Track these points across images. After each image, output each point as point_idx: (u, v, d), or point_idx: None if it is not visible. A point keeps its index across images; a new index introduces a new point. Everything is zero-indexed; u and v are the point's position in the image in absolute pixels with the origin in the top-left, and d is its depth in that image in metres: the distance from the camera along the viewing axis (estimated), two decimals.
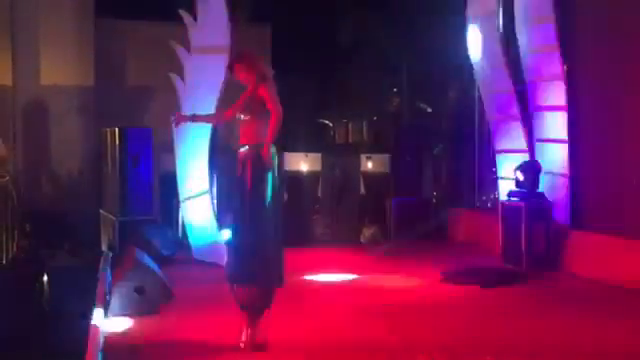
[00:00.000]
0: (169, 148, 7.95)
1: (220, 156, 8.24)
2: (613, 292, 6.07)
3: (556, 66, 7.40)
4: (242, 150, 4.50)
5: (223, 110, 4.95)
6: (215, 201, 7.81)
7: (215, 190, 8.02)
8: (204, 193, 7.65)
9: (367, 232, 10.24)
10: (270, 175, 4.46)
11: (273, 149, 4.49)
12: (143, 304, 5.32)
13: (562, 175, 7.38)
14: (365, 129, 18.85)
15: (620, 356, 4.44)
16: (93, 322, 4.75)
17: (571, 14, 7.40)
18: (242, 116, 4.52)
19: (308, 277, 6.90)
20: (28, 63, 9.88)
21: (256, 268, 4.40)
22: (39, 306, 6.52)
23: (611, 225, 6.65)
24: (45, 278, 6.71)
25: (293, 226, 9.61)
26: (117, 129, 7.95)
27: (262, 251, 4.40)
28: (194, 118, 5.24)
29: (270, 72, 4.62)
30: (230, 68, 4.67)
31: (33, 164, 9.76)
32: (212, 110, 7.36)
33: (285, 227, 4.62)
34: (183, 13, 7.75)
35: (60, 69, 10.03)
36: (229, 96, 7.04)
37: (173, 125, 5.03)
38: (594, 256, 6.65)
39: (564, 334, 4.89)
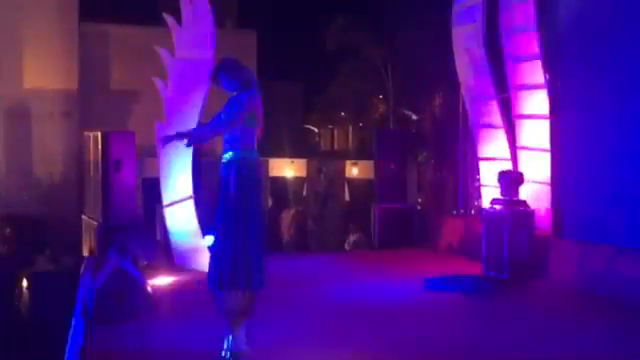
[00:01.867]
0: (152, 152, 7.91)
1: (204, 162, 8.20)
2: (594, 301, 6.10)
3: (539, 75, 7.45)
4: (225, 157, 4.47)
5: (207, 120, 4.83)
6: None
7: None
8: (187, 199, 7.60)
9: (351, 238, 10.25)
10: (253, 181, 4.43)
11: (255, 155, 4.47)
12: (123, 310, 5.27)
13: (544, 183, 7.43)
14: (350, 135, 18.91)
15: None
16: (72, 328, 4.70)
17: (554, 24, 7.47)
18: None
19: (291, 284, 6.86)
20: (11, 66, 9.81)
21: (238, 274, 4.37)
22: (18, 311, 6.46)
23: (593, 234, 6.69)
24: (25, 283, 6.65)
25: (277, 232, 9.65)
26: (99, 133, 7.89)
27: (245, 257, 4.37)
28: (179, 136, 4.96)
29: (254, 80, 4.58)
30: (214, 77, 4.63)
31: (15, 168, 9.67)
32: (196, 115, 7.33)
33: (269, 233, 4.60)
34: (168, 17, 7.71)
35: (43, 73, 9.98)
36: (213, 101, 7.03)
37: (160, 145, 4.76)
38: (576, 264, 6.69)
39: (545, 341, 4.91)
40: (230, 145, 4.45)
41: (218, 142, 4.74)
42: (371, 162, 10.54)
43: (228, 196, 4.39)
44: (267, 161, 11.59)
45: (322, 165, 12.80)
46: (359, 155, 14.19)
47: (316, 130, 19.22)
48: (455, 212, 9.60)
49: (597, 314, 5.70)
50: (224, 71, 4.53)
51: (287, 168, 12.70)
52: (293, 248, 10.08)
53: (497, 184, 7.51)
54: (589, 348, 4.75)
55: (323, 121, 18.53)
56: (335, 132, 19.89)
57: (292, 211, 11.28)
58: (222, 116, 4.41)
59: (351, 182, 12.66)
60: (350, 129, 18.91)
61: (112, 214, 7.68)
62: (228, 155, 4.44)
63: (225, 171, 4.44)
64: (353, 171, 12.70)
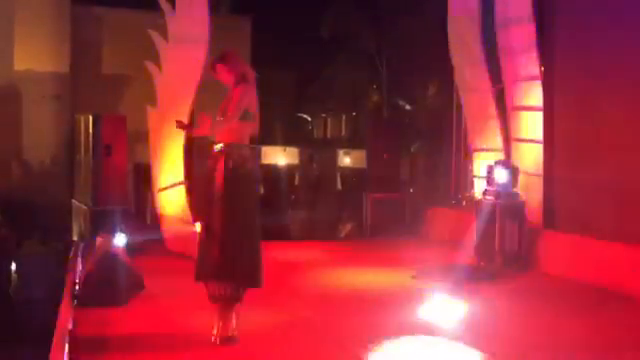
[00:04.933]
0: (144, 137, 7.85)
1: (196, 147, 8.15)
2: (583, 291, 6.13)
3: (534, 67, 7.44)
4: (217, 148, 4.43)
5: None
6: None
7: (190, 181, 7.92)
8: (178, 184, 7.56)
9: (343, 227, 10.25)
10: (241, 175, 4.39)
11: (246, 150, 4.44)
12: (113, 294, 5.24)
13: (536, 175, 7.44)
14: (344, 124, 18.87)
15: (583, 350, 4.49)
16: (61, 312, 4.68)
17: (549, 15, 7.45)
18: (219, 117, 4.47)
19: (283, 271, 6.86)
20: (2, 48, 9.71)
21: (228, 266, 4.34)
22: (6, 294, 6.43)
23: (583, 226, 6.72)
24: (13, 266, 6.61)
25: (269, 220, 9.61)
26: (91, 116, 7.83)
27: (234, 248, 4.33)
28: (190, 128, 5.00)
29: (252, 75, 4.55)
30: (212, 67, 4.60)
31: (4, 150, 9.60)
32: (189, 101, 7.26)
33: (261, 220, 4.57)
34: (162, 1, 7.64)
35: (35, 55, 9.88)
36: (206, 86, 6.98)
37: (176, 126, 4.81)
38: (566, 256, 6.72)
39: (533, 332, 4.93)
40: (221, 137, 4.43)
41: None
42: (363, 151, 10.53)
43: (214, 188, 4.36)
44: (260, 148, 11.55)
45: (314, 153, 12.78)
46: (352, 144, 14.15)
47: (309, 118, 19.15)
48: (447, 202, 9.61)
49: (585, 306, 5.73)
50: (222, 62, 4.50)
51: (279, 156, 12.66)
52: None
53: (490, 175, 7.52)
54: (576, 339, 4.78)
55: (316, 109, 18.46)
56: (328, 121, 19.82)
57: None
58: (222, 117, 4.37)
59: (343, 171, 12.64)
60: (343, 118, 18.86)
61: (102, 198, 7.64)
62: (218, 147, 4.41)
63: (213, 163, 4.42)
64: (345, 160, 12.69)
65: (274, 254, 7.50)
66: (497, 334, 4.86)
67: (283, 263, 7.31)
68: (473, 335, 4.79)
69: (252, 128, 4.50)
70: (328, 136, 19.49)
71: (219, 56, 4.60)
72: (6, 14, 9.72)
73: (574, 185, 7.03)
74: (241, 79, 4.44)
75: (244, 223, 4.38)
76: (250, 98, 4.44)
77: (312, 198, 11.77)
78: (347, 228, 10.19)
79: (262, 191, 11.39)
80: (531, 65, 7.47)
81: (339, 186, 12.66)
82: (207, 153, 4.62)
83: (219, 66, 4.52)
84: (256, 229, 4.47)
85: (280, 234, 9.34)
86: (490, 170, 7.49)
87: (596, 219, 6.64)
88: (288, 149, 12.81)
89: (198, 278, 4.44)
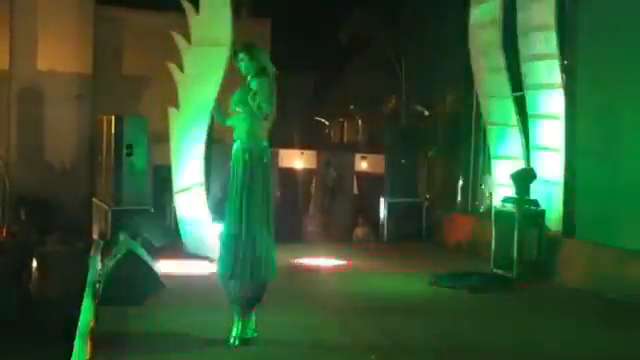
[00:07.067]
0: (164, 138, 7.91)
1: (214, 148, 8.21)
2: (601, 302, 6.08)
3: (555, 75, 7.41)
4: (235, 144, 4.49)
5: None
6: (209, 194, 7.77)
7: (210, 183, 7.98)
8: (198, 185, 7.61)
9: (359, 232, 10.26)
10: (259, 169, 4.43)
11: (263, 144, 4.48)
12: (133, 294, 5.29)
13: (556, 183, 7.40)
14: (361, 129, 18.83)
15: None
16: (82, 310, 4.74)
17: (572, 22, 7.42)
18: (236, 108, 4.51)
19: (298, 274, 6.88)
20: (25, 47, 9.81)
21: (247, 263, 4.38)
22: (27, 291, 6.50)
23: (603, 235, 6.66)
24: (34, 264, 6.69)
25: (286, 222, 9.64)
26: (113, 117, 7.91)
27: (252, 246, 4.38)
28: None
29: (272, 69, 4.58)
30: (234, 53, 4.66)
31: (27, 149, 9.70)
32: (210, 103, 7.30)
33: (278, 223, 4.61)
34: (185, 4, 7.70)
35: (58, 55, 9.97)
36: (227, 89, 7.03)
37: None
38: (585, 265, 6.67)
39: (549, 341, 4.90)
40: (238, 135, 4.48)
41: (227, 129, 4.76)
42: (380, 156, 10.51)
43: (235, 184, 4.42)
44: (277, 152, 11.56)
45: (331, 158, 12.76)
46: (369, 149, 14.13)
47: (326, 122, 19.14)
48: (464, 209, 9.58)
49: (604, 315, 5.69)
50: (245, 51, 4.54)
51: (297, 159, 12.68)
52: None
53: (509, 182, 7.49)
54: (593, 349, 4.74)
55: (334, 113, 18.45)
56: (345, 125, 19.80)
57: None
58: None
59: (360, 175, 12.62)
60: (360, 122, 18.84)
61: (123, 198, 7.71)
62: (236, 144, 4.47)
63: (233, 160, 4.48)
64: (362, 164, 12.67)
65: (290, 257, 7.53)
66: (510, 342, 4.84)
67: (299, 266, 7.32)
68: (487, 343, 4.79)
69: (268, 123, 4.55)
70: (345, 140, 19.47)
71: (243, 44, 4.66)
72: (29, 14, 9.83)
73: (595, 193, 6.97)
74: (260, 71, 4.48)
75: (264, 217, 4.42)
76: (269, 93, 4.47)
77: (329, 202, 11.78)
78: (363, 232, 10.19)
79: (278, 194, 11.43)
80: (553, 72, 7.44)
81: (355, 190, 12.64)
82: (226, 154, 4.67)
83: (241, 54, 4.56)
84: (272, 222, 4.50)
85: (296, 237, 9.36)
86: (510, 177, 7.46)
87: (617, 228, 6.59)
88: (305, 152, 12.82)
89: (220, 278, 4.48)
